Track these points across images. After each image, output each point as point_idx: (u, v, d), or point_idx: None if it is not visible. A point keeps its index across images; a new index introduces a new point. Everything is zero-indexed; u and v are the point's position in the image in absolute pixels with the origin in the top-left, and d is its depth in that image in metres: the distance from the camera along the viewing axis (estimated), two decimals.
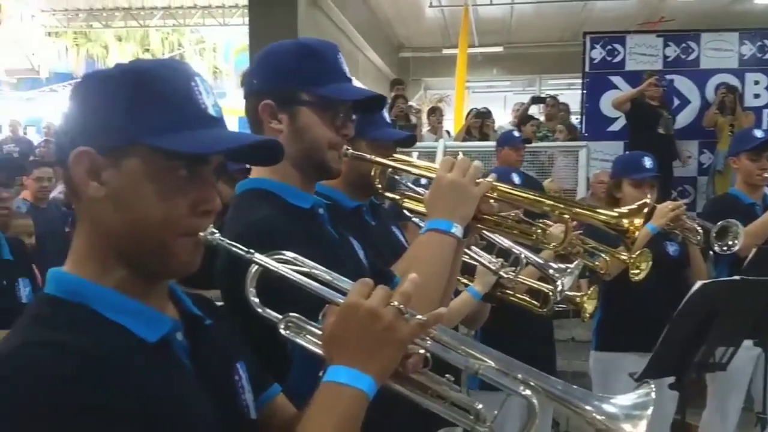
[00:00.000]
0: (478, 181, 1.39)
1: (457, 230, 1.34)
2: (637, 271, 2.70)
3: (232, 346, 1.10)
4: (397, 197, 1.65)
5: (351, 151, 1.48)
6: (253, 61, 1.49)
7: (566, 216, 1.44)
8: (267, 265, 1.00)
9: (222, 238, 0.98)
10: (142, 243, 0.93)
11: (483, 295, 2.36)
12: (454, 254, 1.40)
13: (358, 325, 0.92)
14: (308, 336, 1.01)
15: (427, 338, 0.94)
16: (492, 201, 1.45)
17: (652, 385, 0.98)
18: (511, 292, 2.42)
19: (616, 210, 1.48)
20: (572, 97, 9.28)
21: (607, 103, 7.46)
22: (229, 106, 15.40)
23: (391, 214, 2.28)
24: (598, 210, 1.48)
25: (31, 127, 12.55)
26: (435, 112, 8.13)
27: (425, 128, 8.12)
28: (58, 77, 16.96)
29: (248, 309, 1.10)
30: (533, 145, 7.22)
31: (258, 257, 1.00)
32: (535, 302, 2.37)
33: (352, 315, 0.93)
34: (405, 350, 0.93)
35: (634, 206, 1.46)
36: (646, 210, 1.43)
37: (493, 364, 0.94)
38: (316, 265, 1.03)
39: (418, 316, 0.92)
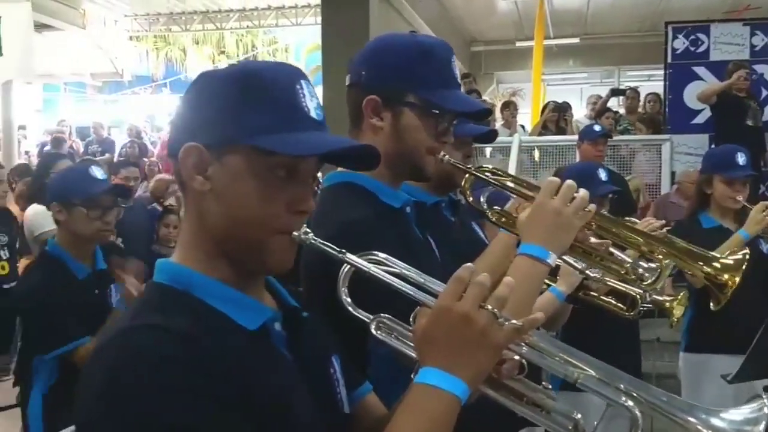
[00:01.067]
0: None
1: (552, 259, 1.29)
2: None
3: (327, 339, 1.10)
4: (486, 210, 1.59)
5: (448, 158, 1.46)
6: (364, 51, 1.47)
7: (662, 258, 1.37)
8: (359, 265, 0.99)
9: (315, 238, 0.98)
10: (240, 238, 0.96)
11: (566, 296, 2.29)
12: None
13: (451, 328, 0.89)
14: (399, 337, 0.99)
15: (523, 344, 0.90)
16: (586, 230, 1.39)
17: (765, 398, 0.92)
18: (596, 294, 2.34)
19: (717, 261, 1.40)
20: (652, 89, 8.96)
21: (690, 94, 7.17)
22: None
23: (471, 211, 2.25)
24: (697, 257, 1.39)
25: (115, 128, 13.06)
26: (509, 107, 8.00)
27: (498, 123, 8.00)
28: (139, 80, 17.62)
29: (332, 307, 1.10)
30: (614, 138, 7.01)
31: (350, 258, 0.99)
32: (621, 305, 2.29)
33: (444, 318, 0.90)
34: (499, 356, 0.90)
35: (736, 257, 1.38)
36: (744, 266, 1.39)
37: (593, 373, 0.89)
38: (408, 266, 1.01)
39: (513, 321, 0.89)
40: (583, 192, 1.31)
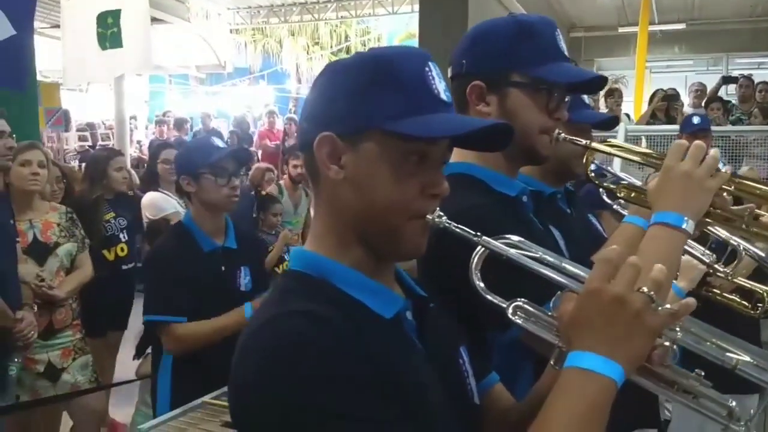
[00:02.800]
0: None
1: (689, 226, 1.21)
2: None
3: (454, 329, 1.11)
4: (611, 185, 1.54)
5: (564, 135, 1.41)
6: (463, 40, 1.44)
7: None
8: (496, 249, 0.98)
9: (449, 221, 0.98)
10: (376, 224, 0.96)
11: (686, 293, 2.19)
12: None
13: (604, 310, 0.87)
14: (538, 322, 0.98)
15: (677, 329, 0.88)
16: (725, 195, 1.31)
17: None
18: (719, 291, 2.23)
19: None
20: (763, 77, 8.45)
21: None
22: None
23: (587, 202, 2.18)
24: None
25: (216, 119, 13.52)
26: (613, 94, 7.71)
27: (602, 111, 7.75)
28: (238, 72, 18.15)
29: (451, 296, 1.10)
30: (723, 129, 6.68)
31: (486, 240, 0.99)
32: (746, 303, 2.16)
33: (596, 300, 0.88)
34: (654, 340, 0.88)
35: None
36: None
37: (749, 359, 0.86)
38: (545, 250, 1.00)
39: (668, 306, 0.87)
40: (713, 151, 1.24)
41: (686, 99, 8.53)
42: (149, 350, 3.34)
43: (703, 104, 7.63)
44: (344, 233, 0.98)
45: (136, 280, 4.38)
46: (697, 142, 1.27)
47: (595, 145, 1.47)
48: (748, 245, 1.83)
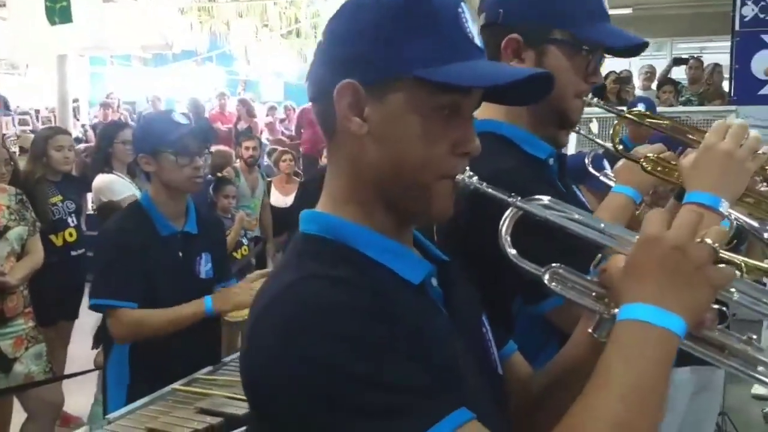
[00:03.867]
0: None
1: (724, 209, 1.16)
2: None
3: (477, 297, 1.04)
4: (638, 160, 1.47)
5: (597, 100, 1.35)
6: None
7: None
8: (534, 211, 0.91)
9: (481, 182, 0.91)
10: (402, 183, 0.87)
11: None
12: None
13: (665, 259, 0.79)
14: (575, 288, 0.92)
15: (734, 290, 0.82)
16: (757, 178, 1.27)
17: None
18: None
19: None
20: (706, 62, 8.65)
21: (758, 64, 6.88)
22: None
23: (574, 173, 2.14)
24: None
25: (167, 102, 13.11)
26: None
27: None
28: (183, 54, 17.68)
29: (482, 261, 1.02)
30: (674, 109, 6.79)
31: (522, 203, 0.91)
32: None
33: (655, 248, 0.80)
34: (714, 298, 0.81)
35: None
36: None
37: None
38: (582, 211, 0.93)
39: (733, 256, 0.81)
40: (754, 133, 1.20)
41: (636, 82, 8.67)
42: None
43: (654, 86, 7.75)
44: (364, 193, 0.89)
45: (86, 266, 4.21)
46: (739, 120, 1.22)
47: (628, 113, 1.42)
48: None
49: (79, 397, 3.93)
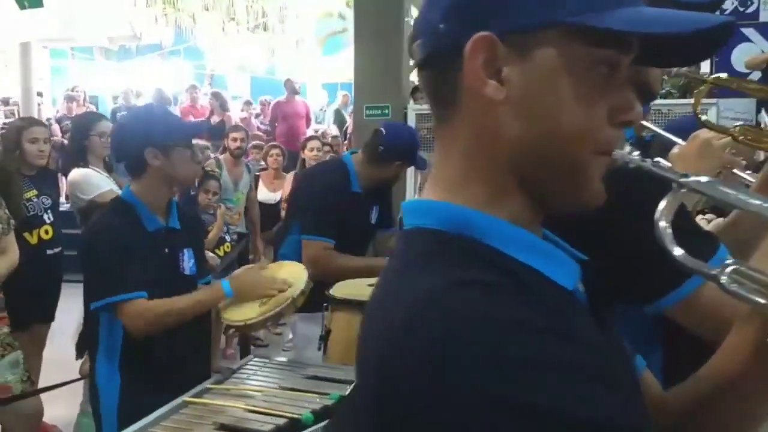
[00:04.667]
0: None
1: None
2: None
3: (612, 303, 0.87)
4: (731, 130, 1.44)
5: (684, 69, 1.23)
6: None
7: None
8: (712, 192, 0.74)
9: (645, 159, 0.74)
10: (549, 161, 0.69)
11: None
12: None
13: None
14: (751, 287, 0.75)
15: None
16: None
17: None
18: None
19: None
20: None
21: (738, 57, 6.87)
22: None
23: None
24: None
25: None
26: None
27: None
28: (147, 48, 17.25)
29: (620, 256, 0.86)
30: (655, 102, 6.75)
31: (696, 182, 0.74)
32: None
33: None
34: None
35: None
36: None
37: None
38: (746, 190, 0.77)
39: None
40: None
41: None
42: None
43: None
44: (494, 176, 0.70)
45: (62, 266, 3.95)
46: None
47: (714, 78, 1.29)
48: None
49: (57, 407, 3.67)
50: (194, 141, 2.43)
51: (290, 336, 5.54)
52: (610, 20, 0.66)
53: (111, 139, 2.42)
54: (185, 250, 2.34)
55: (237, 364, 2.23)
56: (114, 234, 2.17)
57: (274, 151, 5.89)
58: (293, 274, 2.35)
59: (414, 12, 8.50)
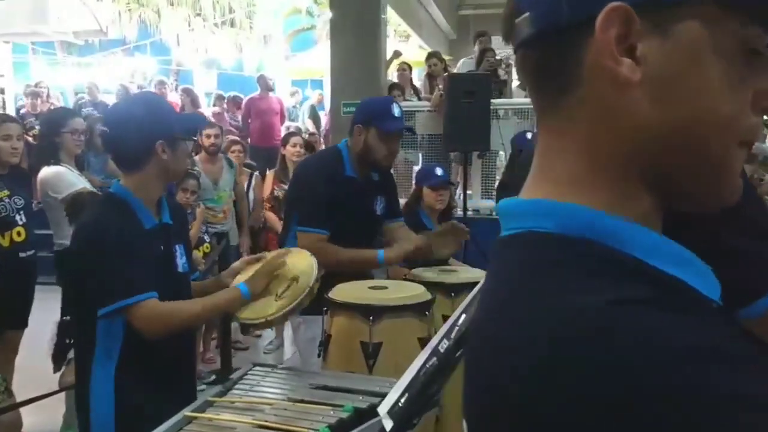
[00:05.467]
0: None
1: None
2: None
3: None
4: None
5: None
6: None
7: None
8: None
9: None
10: (693, 153, 0.60)
11: None
12: None
13: None
14: None
15: None
16: None
17: None
18: None
19: None
20: None
21: None
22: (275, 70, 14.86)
23: None
24: None
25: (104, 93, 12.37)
26: None
27: (515, 83, 7.69)
28: (111, 43, 16.86)
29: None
30: None
31: None
32: None
33: None
34: None
35: None
36: None
37: None
38: None
39: None
40: None
41: None
42: (71, 356, 2.82)
43: None
44: (626, 171, 0.61)
45: (36, 269, 3.78)
46: None
47: None
48: None
49: (36, 417, 3.50)
50: None
51: (274, 337, 5.42)
52: None
53: (106, 130, 2.24)
54: (178, 246, 2.24)
55: (236, 374, 2.12)
56: (117, 232, 2.02)
57: (236, 147, 5.70)
58: (301, 262, 2.26)
59: (389, 10, 8.43)
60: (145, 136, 2.09)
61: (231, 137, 6.35)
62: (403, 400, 1.23)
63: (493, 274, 0.65)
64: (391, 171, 3.29)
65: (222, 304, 2.14)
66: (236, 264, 2.38)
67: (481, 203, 6.73)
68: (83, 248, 2.09)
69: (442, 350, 1.29)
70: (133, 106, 2.26)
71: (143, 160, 2.11)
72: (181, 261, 2.24)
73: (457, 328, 1.28)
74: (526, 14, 0.62)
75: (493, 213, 6.06)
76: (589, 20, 0.58)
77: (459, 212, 5.94)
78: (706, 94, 0.58)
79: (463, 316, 1.29)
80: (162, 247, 2.16)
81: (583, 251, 0.58)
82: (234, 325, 5.23)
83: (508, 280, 0.62)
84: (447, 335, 1.27)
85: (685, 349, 0.50)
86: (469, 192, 6.19)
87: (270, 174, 5.56)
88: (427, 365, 1.28)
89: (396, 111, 2.92)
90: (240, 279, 2.24)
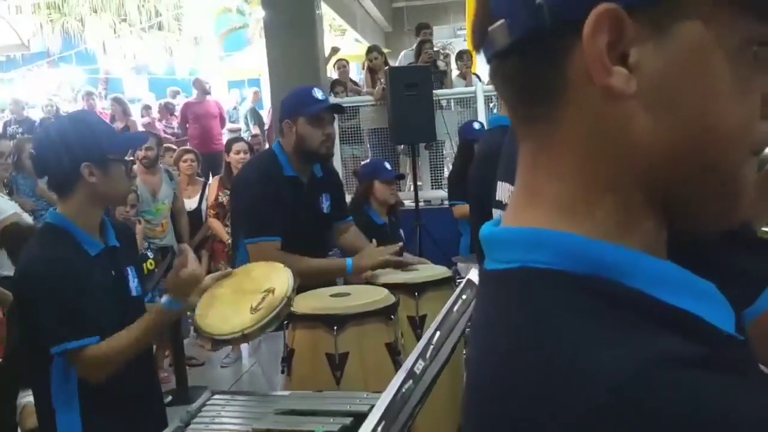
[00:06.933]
0: None
1: None
2: None
3: None
4: None
5: None
6: None
7: None
8: None
9: None
10: (702, 168, 0.52)
11: None
12: None
13: None
14: None
15: None
16: None
17: None
18: None
19: None
20: None
21: None
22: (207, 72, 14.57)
23: None
24: None
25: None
26: (462, 57, 7.62)
27: (455, 73, 7.65)
28: (35, 56, 16.24)
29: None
30: None
31: None
32: None
33: None
34: None
35: None
36: None
37: None
38: None
39: None
40: None
41: None
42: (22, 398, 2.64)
43: None
44: (626, 192, 0.52)
45: None
46: None
47: None
48: None
49: None
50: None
51: (230, 350, 5.24)
52: None
53: (34, 152, 2.09)
54: (128, 269, 2.11)
55: (194, 404, 1.96)
56: (57, 270, 1.90)
57: (188, 156, 5.51)
58: (274, 272, 2.15)
59: (324, 7, 8.28)
60: (70, 159, 1.95)
61: (183, 147, 6.14)
62: (380, 429, 1.13)
63: (488, 314, 0.56)
64: (337, 169, 3.18)
65: (150, 324, 1.97)
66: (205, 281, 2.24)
67: (432, 193, 6.70)
68: (24, 289, 1.96)
69: (418, 371, 1.19)
70: (60, 127, 2.13)
71: (72, 184, 1.97)
72: (133, 284, 2.11)
73: (432, 346, 1.18)
74: (501, 21, 0.52)
75: (444, 202, 6.03)
76: (575, 26, 0.49)
77: (410, 203, 5.91)
78: (712, 103, 0.50)
79: (438, 333, 1.19)
80: (113, 272, 2.04)
81: (594, 292, 0.49)
82: (186, 340, 5.11)
83: (510, 328, 0.52)
84: (422, 355, 1.17)
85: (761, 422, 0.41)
86: (419, 183, 6.13)
87: (214, 180, 5.38)
88: (403, 389, 1.18)
89: (318, 93, 2.83)
90: (207, 297, 2.09)
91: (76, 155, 1.95)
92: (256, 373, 4.51)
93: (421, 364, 1.18)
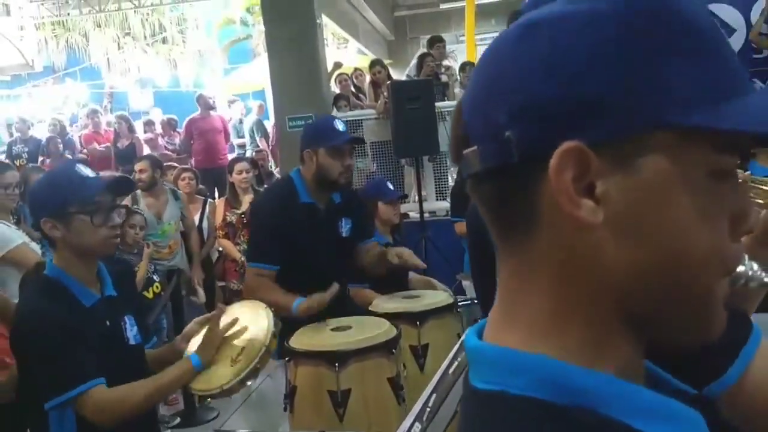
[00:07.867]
0: None
1: None
2: None
3: None
4: None
5: None
6: None
7: None
8: None
9: None
10: (677, 292, 0.53)
11: None
12: None
13: None
14: None
15: None
16: None
17: None
18: None
19: None
20: None
21: None
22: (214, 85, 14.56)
23: None
24: None
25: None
26: (465, 68, 7.61)
27: (457, 87, 7.63)
28: (38, 73, 16.32)
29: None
30: None
31: None
32: None
33: None
34: None
35: None
36: None
37: None
38: None
39: None
40: None
41: None
42: None
43: None
44: (600, 315, 0.54)
45: None
46: None
47: None
48: None
49: None
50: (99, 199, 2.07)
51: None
52: (733, 118, 0.50)
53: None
54: (126, 318, 2.11)
55: None
56: (55, 320, 1.91)
57: (186, 174, 5.49)
58: (254, 318, 2.14)
59: (325, 18, 8.28)
60: (34, 215, 2.01)
61: (182, 166, 6.13)
62: None
63: None
64: (353, 188, 3.21)
65: (175, 380, 2.02)
66: (188, 328, 2.25)
67: (436, 204, 6.72)
68: (19, 341, 1.97)
69: None
70: (36, 183, 2.20)
71: (50, 238, 2.00)
72: (131, 333, 2.11)
73: (428, 409, 1.17)
74: (474, 148, 0.54)
75: (449, 214, 6.04)
76: (543, 160, 0.50)
77: (415, 215, 5.91)
78: (681, 231, 0.52)
79: (434, 396, 1.18)
80: (108, 323, 2.04)
81: (567, 422, 0.50)
82: None
83: None
84: (419, 418, 1.16)
85: None
86: (423, 194, 6.14)
87: (220, 202, 5.38)
88: None
89: (339, 126, 2.88)
90: (194, 344, 2.10)
91: (37, 211, 1.99)
92: (265, 391, 4.52)
93: (418, 427, 1.18)
